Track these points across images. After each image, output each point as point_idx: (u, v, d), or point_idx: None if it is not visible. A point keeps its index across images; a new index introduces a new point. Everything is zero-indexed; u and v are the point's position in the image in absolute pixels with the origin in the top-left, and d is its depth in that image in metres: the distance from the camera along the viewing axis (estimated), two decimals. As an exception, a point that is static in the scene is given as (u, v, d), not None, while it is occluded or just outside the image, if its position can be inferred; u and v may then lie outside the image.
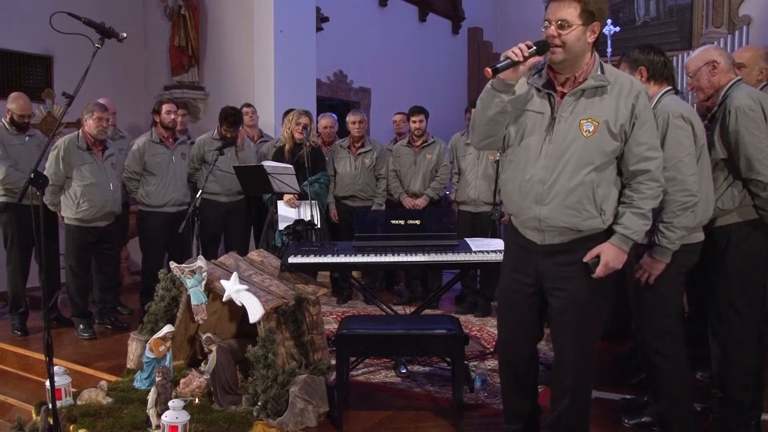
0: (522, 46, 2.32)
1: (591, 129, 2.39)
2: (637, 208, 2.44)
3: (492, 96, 2.42)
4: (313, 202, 5.13)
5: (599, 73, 2.43)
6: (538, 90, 2.49)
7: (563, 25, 2.33)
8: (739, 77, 3.06)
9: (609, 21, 10.12)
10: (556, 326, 2.60)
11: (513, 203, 2.59)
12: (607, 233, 2.50)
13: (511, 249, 2.72)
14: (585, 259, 2.45)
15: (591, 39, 2.40)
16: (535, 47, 2.33)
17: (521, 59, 2.31)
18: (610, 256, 2.42)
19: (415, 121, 5.92)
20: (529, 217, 2.52)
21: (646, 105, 2.45)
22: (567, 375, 2.59)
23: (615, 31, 9.91)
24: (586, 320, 2.53)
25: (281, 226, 5.25)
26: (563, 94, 2.45)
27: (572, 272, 2.50)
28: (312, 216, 4.98)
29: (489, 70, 2.32)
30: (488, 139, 2.56)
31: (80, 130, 4.96)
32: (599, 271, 2.43)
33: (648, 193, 2.45)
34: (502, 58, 2.34)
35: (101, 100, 5.13)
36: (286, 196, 5.30)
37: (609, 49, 9.88)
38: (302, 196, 5.18)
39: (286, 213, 5.34)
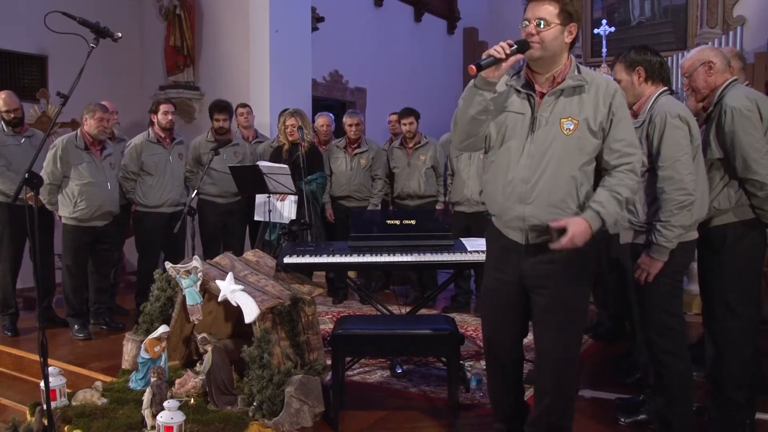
0: (503, 44, 2.36)
1: (571, 127, 2.43)
2: (615, 192, 2.43)
3: (474, 94, 2.44)
4: (294, 198, 5.16)
5: (576, 73, 2.47)
6: (518, 91, 2.52)
7: (541, 23, 2.38)
8: (734, 77, 3.07)
9: (604, 21, 10.16)
10: (539, 325, 2.60)
11: (496, 204, 2.60)
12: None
13: (493, 249, 2.72)
14: (551, 225, 2.40)
15: (568, 39, 2.44)
16: (516, 45, 2.37)
17: (503, 57, 2.34)
18: (577, 230, 2.35)
19: (405, 124, 5.92)
20: (512, 217, 2.53)
21: (622, 103, 2.50)
22: (548, 374, 2.59)
23: (610, 32, 9.92)
24: (569, 318, 2.54)
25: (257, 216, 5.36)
26: (542, 95, 2.49)
27: (554, 270, 2.50)
28: (308, 215, 4.99)
29: (473, 66, 2.36)
30: (469, 140, 2.57)
31: (78, 130, 4.95)
32: (562, 242, 2.36)
33: (626, 181, 2.45)
34: (484, 56, 2.37)
35: (103, 102, 5.11)
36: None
37: (604, 50, 9.88)
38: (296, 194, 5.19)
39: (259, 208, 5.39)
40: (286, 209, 5.34)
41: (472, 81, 2.46)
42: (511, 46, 2.36)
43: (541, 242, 2.50)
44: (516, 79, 2.55)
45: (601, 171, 2.54)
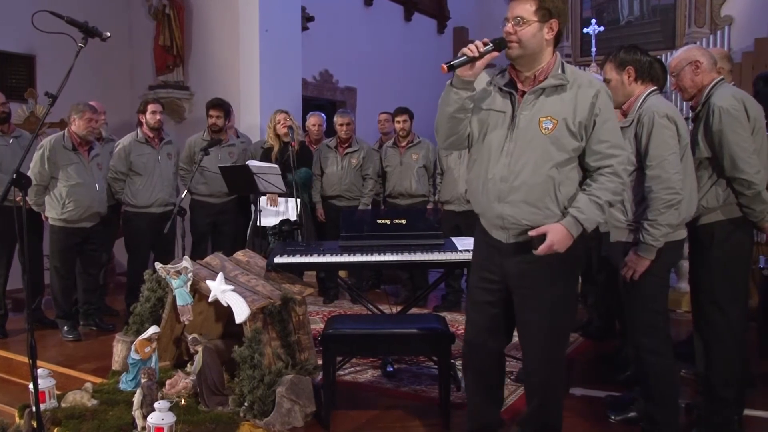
0: (477, 42, 2.37)
1: (550, 126, 2.40)
2: (594, 196, 2.41)
3: (451, 94, 2.45)
4: (297, 200, 5.14)
5: (560, 72, 2.44)
6: (501, 90, 2.51)
7: (519, 21, 2.38)
8: (721, 77, 3.09)
9: (593, 21, 10.21)
10: (523, 325, 2.58)
11: (478, 203, 2.59)
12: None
13: (480, 247, 2.70)
14: (531, 233, 2.40)
15: (549, 36, 2.42)
16: (491, 44, 2.37)
17: (476, 55, 2.35)
18: (556, 237, 2.36)
19: (399, 122, 5.94)
20: (493, 216, 2.51)
21: (607, 103, 2.45)
22: (535, 375, 2.60)
23: (599, 31, 9.98)
24: (553, 318, 2.51)
25: (263, 221, 5.28)
26: (524, 93, 2.47)
27: (537, 270, 2.47)
28: (298, 215, 4.98)
29: (444, 66, 2.36)
30: (451, 138, 2.58)
31: (66, 130, 4.92)
32: (541, 250, 2.36)
33: (607, 185, 2.42)
34: (458, 55, 2.38)
35: (91, 103, 5.09)
36: (268, 195, 5.31)
37: (593, 49, 9.94)
38: (285, 195, 5.19)
39: (267, 208, 5.37)
40: (289, 210, 5.35)
41: (449, 80, 2.47)
42: (486, 44, 2.37)
43: (523, 241, 2.48)
44: (500, 78, 2.54)
45: (584, 171, 2.51)
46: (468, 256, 3.69)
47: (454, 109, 2.47)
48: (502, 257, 2.55)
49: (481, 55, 2.36)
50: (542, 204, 2.42)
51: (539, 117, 2.41)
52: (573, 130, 2.41)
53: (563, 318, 2.57)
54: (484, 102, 2.53)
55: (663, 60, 8.90)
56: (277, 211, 5.34)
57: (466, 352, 2.76)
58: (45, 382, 3.33)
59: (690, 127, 3.11)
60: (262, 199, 5.39)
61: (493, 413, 2.80)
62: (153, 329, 3.58)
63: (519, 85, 2.49)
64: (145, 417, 3.02)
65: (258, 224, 5.34)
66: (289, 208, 5.36)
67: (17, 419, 3.28)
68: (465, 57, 2.36)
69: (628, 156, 2.52)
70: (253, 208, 5.58)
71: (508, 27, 2.40)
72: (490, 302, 2.63)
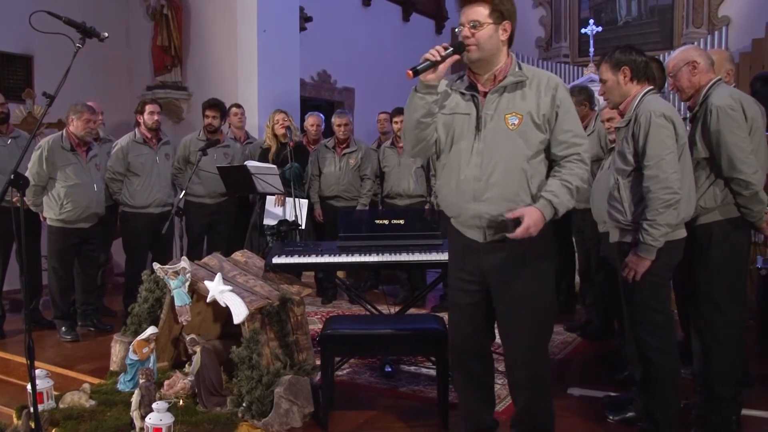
0: (439, 47, 2.44)
1: (516, 122, 2.48)
2: (566, 181, 2.48)
3: (416, 99, 2.50)
4: (299, 201, 5.13)
5: (518, 69, 2.52)
6: (462, 94, 2.58)
7: (475, 25, 2.45)
8: (719, 77, 3.09)
9: (591, 21, 10.24)
10: (504, 322, 2.63)
11: (452, 206, 2.63)
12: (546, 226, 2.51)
13: (455, 249, 2.74)
14: (507, 215, 2.44)
15: (504, 37, 2.50)
16: (451, 48, 2.45)
17: (438, 59, 2.42)
18: (532, 219, 2.39)
19: (397, 122, 5.93)
20: (469, 216, 2.56)
21: (566, 96, 2.54)
22: (519, 372, 2.63)
23: (597, 31, 10.00)
24: (533, 313, 2.57)
25: (267, 221, 5.28)
26: (485, 94, 2.54)
27: (516, 267, 2.53)
28: (296, 216, 4.98)
29: (409, 72, 2.42)
30: (419, 145, 2.61)
31: (64, 130, 4.91)
32: (518, 233, 2.39)
33: (576, 170, 2.50)
34: (421, 61, 2.44)
35: (89, 103, 5.08)
36: (276, 196, 5.31)
37: (591, 49, 9.95)
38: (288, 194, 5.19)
39: (273, 209, 5.36)
40: (287, 209, 5.35)
41: (413, 87, 2.51)
42: (446, 48, 2.44)
43: (500, 239, 2.53)
44: (459, 83, 2.61)
45: (551, 162, 2.58)
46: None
47: (420, 115, 2.51)
48: (479, 256, 2.60)
49: (443, 59, 2.43)
50: (518, 198, 2.49)
51: (505, 114, 2.49)
52: (538, 123, 2.49)
53: (545, 310, 2.62)
54: (448, 106, 2.59)
55: (662, 60, 8.94)
56: (280, 213, 5.32)
57: (453, 355, 2.80)
58: (43, 383, 3.33)
59: (688, 128, 3.12)
60: (270, 199, 5.39)
61: (487, 414, 2.83)
62: (151, 330, 3.58)
63: (480, 87, 2.55)
64: (143, 417, 3.02)
65: (262, 223, 5.34)
66: (288, 208, 5.35)
67: (15, 420, 3.27)
68: (428, 62, 2.42)
69: (588, 145, 2.60)
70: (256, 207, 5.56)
71: (465, 31, 2.47)
72: (470, 304, 2.67)
